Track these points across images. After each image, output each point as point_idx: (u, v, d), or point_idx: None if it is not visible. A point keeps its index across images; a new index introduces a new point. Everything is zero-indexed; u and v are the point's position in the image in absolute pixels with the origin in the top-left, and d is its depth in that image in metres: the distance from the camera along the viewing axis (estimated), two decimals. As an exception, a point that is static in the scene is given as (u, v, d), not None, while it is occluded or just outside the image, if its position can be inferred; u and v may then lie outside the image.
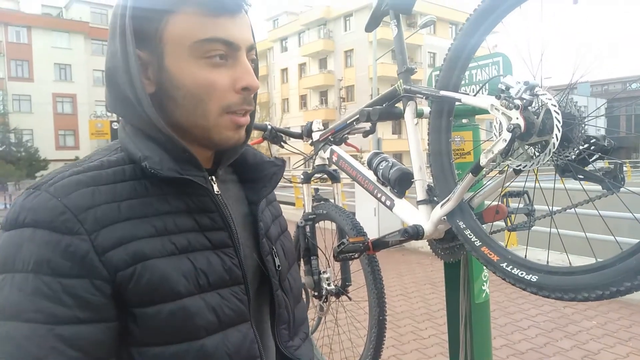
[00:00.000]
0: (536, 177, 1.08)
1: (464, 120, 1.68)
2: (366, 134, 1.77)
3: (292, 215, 7.82)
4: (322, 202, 1.98)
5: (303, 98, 44.88)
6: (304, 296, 0.98)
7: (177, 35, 0.66)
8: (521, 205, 1.20)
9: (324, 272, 1.93)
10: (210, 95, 0.67)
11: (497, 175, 1.20)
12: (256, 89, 0.70)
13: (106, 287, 0.60)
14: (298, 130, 2.05)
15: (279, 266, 0.79)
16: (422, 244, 6.79)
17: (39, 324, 0.55)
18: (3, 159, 32.78)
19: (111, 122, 11.16)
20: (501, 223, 1.26)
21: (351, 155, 1.84)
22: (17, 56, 37.26)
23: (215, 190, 0.73)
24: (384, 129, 31.88)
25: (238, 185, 0.82)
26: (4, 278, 0.57)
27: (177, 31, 0.66)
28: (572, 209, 1.07)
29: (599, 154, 0.99)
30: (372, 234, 1.54)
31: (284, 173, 0.84)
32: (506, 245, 1.17)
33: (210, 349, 0.65)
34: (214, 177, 0.76)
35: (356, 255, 1.48)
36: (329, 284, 1.92)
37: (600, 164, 0.99)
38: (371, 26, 1.62)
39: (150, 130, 0.67)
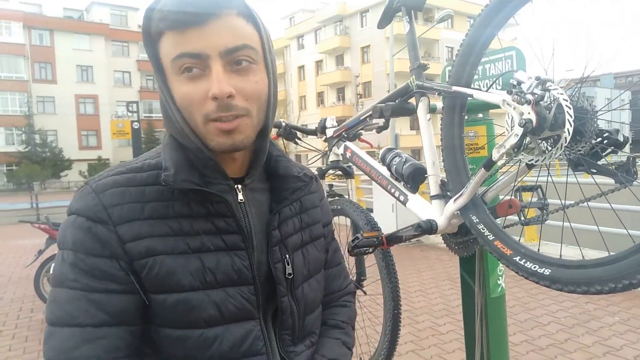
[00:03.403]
0: (548, 172, 1.08)
1: (478, 115, 1.68)
2: (380, 130, 1.78)
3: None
4: (336, 197, 2.00)
5: (320, 95, 44.88)
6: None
7: (163, 57, 0.72)
8: (534, 200, 1.20)
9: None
10: (192, 107, 0.71)
11: (510, 170, 1.21)
12: (223, 96, 0.68)
13: (128, 268, 0.71)
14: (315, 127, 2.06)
15: (289, 274, 0.82)
16: (441, 240, 6.75)
17: (77, 290, 0.69)
18: (29, 159, 33.68)
19: (132, 122, 11.35)
20: (515, 217, 1.26)
21: (366, 151, 1.86)
22: (41, 59, 38.19)
23: (239, 197, 0.79)
24: (402, 125, 31.66)
25: (267, 193, 0.85)
26: (59, 253, 0.72)
27: (162, 53, 0.72)
28: (585, 203, 1.07)
29: (612, 147, 0.99)
30: (390, 230, 1.55)
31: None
32: (520, 239, 1.17)
33: (210, 338, 0.73)
34: (239, 186, 0.80)
35: (370, 250, 1.49)
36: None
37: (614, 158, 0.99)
38: (383, 23, 1.63)
39: (185, 141, 0.74)
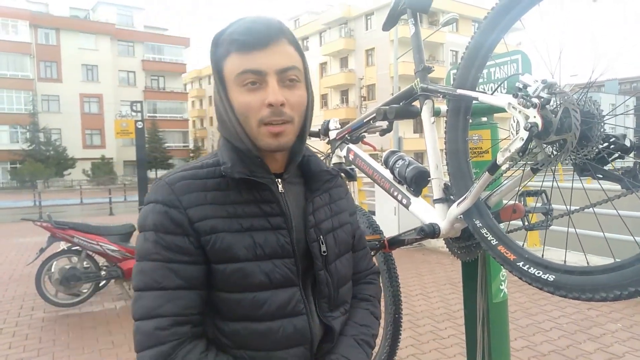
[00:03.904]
0: (553, 176, 1.07)
1: (483, 119, 1.67)
2: (383, 132, 1.77)
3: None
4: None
5: (324, 97, 44.90)
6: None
7: (228, 72, 0.90)
8: (539, 205, 1.19)
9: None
10: (249, 112, 0.88)
11: (514, 174, 1.19)
12: (277, 103, 0.87)
13: (197, 243, 0.88)
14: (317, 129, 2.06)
15: (324, 252, 0.99)
16: (443, 244, 6.72)
17: (158, 262, 0.87)
18: (33, 157, 33.80)
19: (136, 121, 11.36)
20: (519, 222, 1.25)
21: (369, 154, 1.85)
22: (47, 57, 38.35)
23: (280, 188, 0.96)
24: (405, 128, 31.64)
25: (302, 186, 1.03)
26: (141, 234, 0.90)
27: (228, 70, 0.90)
28: (591, 209, 1.06)
29: (619, 152, 0.98)
30: (392, 233, 1.54)
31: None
32: (523, 245, 1.16)
33: (260, 300, 0.90)
34: (279, 180, 0.97)
35: (372, 253, 1.48)
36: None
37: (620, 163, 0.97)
38: (388, 25, 1.62)
39: (237, 142, 0.92)
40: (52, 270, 4.69)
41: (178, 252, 0.87)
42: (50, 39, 38.69)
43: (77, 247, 4.71)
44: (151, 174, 36.00)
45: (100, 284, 4.96)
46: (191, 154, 45.33)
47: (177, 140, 45.53)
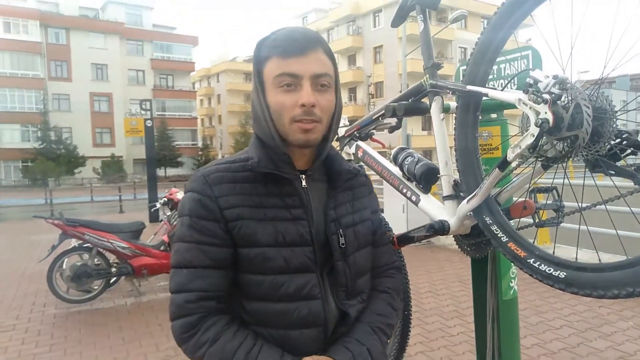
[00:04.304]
0: (565, 173, 1.06)
1: (493, 115, 1.66)
2: (392, 129, 1.77)
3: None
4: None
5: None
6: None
7: (268, 74, 0.99)
8: (550, 201, 1.18)
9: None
10: (283, 111, 0.98)
11: (525, 171, 1.19)
12: (309, 104, 0.96)
13: (225, 228, 0.98)
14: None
15: (342, 244, 1.05)
16: (452, 241, 6.69)
17: (191, 243, 0.97)
18: (44, 156, 34.15)
19: (145, 120, 11.42)
20: (529, 219, 1.24)
21: (378, 151, 1.84)
22: (57, 57, 38.70)
23: (303, 184, 1.05)
24: (414, 125, 31.51)
25: (326, 184, 1.11)
26: (179, 219, 1.01)
27: (268, 71, 0.99)
28: (603, 205, 1.05)
29: (632, 148, 0.96)
30: (400, 230, 1.54)
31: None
32: (534, 242, 1.15)
33: (279, 283, 0.98)
34: (303, 176, 1.05)
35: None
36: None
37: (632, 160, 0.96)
38: (397, 21, 1.61)
39: (268, 139, 1.01)
40: (64, 267, 4.74)
41: (209, 236, 0.97)
42: (60, 38, 39.02)
43: (88, 245, 4.76)
44: (160, 172, 36.25)
45: (111, 281, 5.01)
46: (200, 152, 45.55)
47: (186, 139, 45.74)
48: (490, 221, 1.21)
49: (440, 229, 1.34)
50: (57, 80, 38.68)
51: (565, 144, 0.98)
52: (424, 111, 1.48)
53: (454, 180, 1.38)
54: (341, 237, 1.06)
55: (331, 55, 1.04)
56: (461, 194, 1.34)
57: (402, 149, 1.58)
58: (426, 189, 1.48)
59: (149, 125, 11.28)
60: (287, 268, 0.98)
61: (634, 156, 0.97)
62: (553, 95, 0.95)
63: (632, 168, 0.95)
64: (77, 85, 38.91)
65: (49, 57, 38.32)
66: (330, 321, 1.03)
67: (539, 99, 0.96)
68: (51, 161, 33.56)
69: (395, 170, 1.59)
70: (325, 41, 1.03)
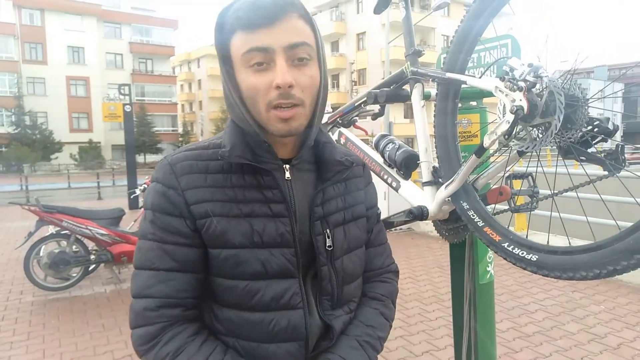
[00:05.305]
0: (538, 159, 1.10)
1: (472, 103, 1.69)
2: (375, 116, 1.78)
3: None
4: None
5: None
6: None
7: (235, 51, 0.84)
8: (525, 187, 1.22)
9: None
10: (257, 95, 0.83)
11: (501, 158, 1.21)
12: (285, 85, 0.80)
13: (193, 225, 0.86)
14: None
15: (329, 246, 0.92)
16: (432, 228, 6.79)
17: (154, 241, 0.85)
18: (18, 141, 33.23)
19: (124, 104, 11.21)
20: (505, 205, 1.28)
21: (361, 138, 1.86)
22: (31, 39, 37.44)
23: (287, 175, 0.91)
24: (396, 113, 31.61)
25: (314, 174, 0.96)
26: (144, 213, 0.89)
27: (234, 48, 0.84)
28: (574, 191, 1.08)
29: (602, 136, 1.00)
30: (382, 217, 1.56)
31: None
32: (508, 226, 1.19)
33: (254, 289, 0.86)
34: (287, 166, 0.92)
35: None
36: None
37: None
38: (380, 8, 1.62)
39: (244, 125, 0.87)
40: (41, 254, 4.67)
41: (174, 234, 0.85)
42: (34, 19, 37.73)
43: (66, 231, 4.69)
44: (140, 158, 35.69)
45: (90, 268, 4.95)
46: (180, 139, 44.94)
47: (166, 125, 45.03)
48: (468, 206, 1.24)
49: (419, 214, 1.37)
50: (32, 63, 37.49)
51: (539, 130, 1.01)
52: (405, 98, 1.50)
53: (433, 167, 1.40)
54: (328, 237, 0.92)
55: (309, 20, 0.86)
56: (440, 180, 1.36)
57: (383, 136, 1.60)
58: (406, 176, 1.50)
59: (128, 110, 11.06)
60: (263, 273, 0.86)
61: (604, 143, 1.00)
62: (528, 83, 0.97)
63: (602, 155, 0.98)
64: (52, 68, 37.80)
65: (23, 39, 37.07)
66: (313, 334, 0.90)
67: (514, 86, 0.99)
68: (26, 147, 32.69)
69: (377, 156, 1.61)
70: (300, 3, 0.85)
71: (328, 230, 0.92)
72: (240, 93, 0.85)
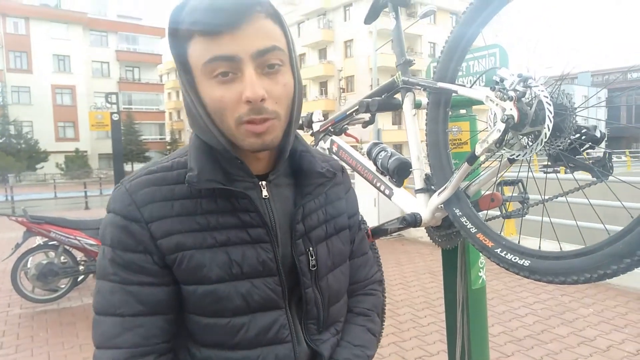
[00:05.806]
0: (529, 166, 1.12)
1: (462, 111, 1.71)
2: (365, 124, 1.80)
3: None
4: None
5: (303, 89, 44.68)
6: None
7: (194, 61, 0.73)
8: (515, 194, 1.24)
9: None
10: (224, 110, 0.73)
11: (492, 165, 1.24)
12: (257, 99, 0.70)
13: (162, 262, 0.76)
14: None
15: (313, 266, 0.84)
16: (422, 234, 6.84)
17: (116, 283, 0.75)
18: (3, 150, 32.72)
19: (111, 113, 11.13)
20: (497, 211, 1.30)
21: (351, 145, 1.88)
22: (16, 47, 37.03)
23: (264, 193, 0.82)
24: (384, 120, 31.83)
25: (292, 188, 0.87)
26: (101, 248, 0.78)
27: (194, 57, 0.73)
28: (564, 197, 1.11)
29: (590, 143, 1.02)
30: (372, 224, 1.58)
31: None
32: (501, 232, 1.21)
33: (236, 326, 0.77)
34: (263, 182, 0.82)
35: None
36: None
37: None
38: (370, 18, 1.64)
39: (212, 141, 0.76)
40: (29, 265, 4.60)
41: (138, 273, 0.75)
42: (19, 28, 37.33)
43: (54, 242, 4.63)
44: (127, 167, 35.38)
45: (79, 279, 4.89)
46: (168, 147, 44.66)
47: (154, 133, 44.74)
48: (460, 213, 1.26)
49: (412, 221, 1.38)
50: (17, 71, 37.03)
51: (529, 138, 1.04)
52: (396, 107, 1.52)
53: (426, 174, 1.42)
54: (311, 257, 0.84)
55: (278, 19, 0.75)
56: (432, 187, 1.38)
57: (375, 144, 1.62)
58: (399, 183, 1.52)
59: (116, 119, 11.00)
60: (246, 307, 0.77)
61: (592, 150, 1.03)
62: (518, 93, 1.00)
63: (590, 162, 1.01)
64: (37, 77, 37.37)
65: (7, 48, 36.63)
66: None
67: (504, 96, 1.01)
68: (11, 156, 32.20)
69: (369, 164, 1.63)
70: (266, 0, 0.74)
71: (311, 248, 0.84)
72: (204, 106, 0.74)
